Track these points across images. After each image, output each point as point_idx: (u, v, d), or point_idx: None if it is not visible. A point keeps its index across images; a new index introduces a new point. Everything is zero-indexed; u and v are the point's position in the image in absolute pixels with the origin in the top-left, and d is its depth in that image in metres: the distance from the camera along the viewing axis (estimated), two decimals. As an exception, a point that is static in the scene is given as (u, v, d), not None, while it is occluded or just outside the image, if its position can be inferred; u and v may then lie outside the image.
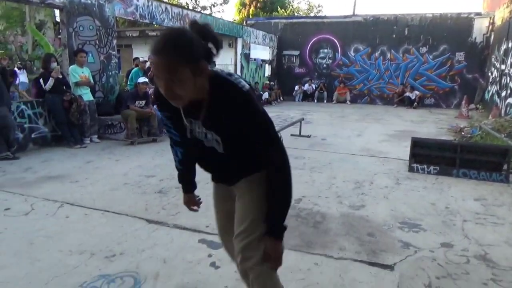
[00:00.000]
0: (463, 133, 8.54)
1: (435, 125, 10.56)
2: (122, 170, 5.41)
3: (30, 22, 13.05)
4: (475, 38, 15.18)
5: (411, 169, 5.59)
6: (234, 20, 30.71)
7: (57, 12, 11.58)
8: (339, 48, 17.18)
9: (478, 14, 15.27)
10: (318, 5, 34.24)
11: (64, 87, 6.74)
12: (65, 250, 3.06)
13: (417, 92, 15.41)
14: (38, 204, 4.03)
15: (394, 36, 16.23)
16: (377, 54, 16.55)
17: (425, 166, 5.51)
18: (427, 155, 5.60)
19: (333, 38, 17.22)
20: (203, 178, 5.01)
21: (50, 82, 6.55)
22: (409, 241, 3.30)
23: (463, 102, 12.64)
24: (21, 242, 3.19)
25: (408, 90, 15.49)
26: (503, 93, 11.16)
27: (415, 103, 15.11)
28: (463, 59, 15.41)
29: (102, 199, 4.21)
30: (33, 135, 6.62)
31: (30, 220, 3.63)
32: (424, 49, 15.88)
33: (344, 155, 6.65)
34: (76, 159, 6.00)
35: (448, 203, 4.27)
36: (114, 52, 8.36)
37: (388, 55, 16.40)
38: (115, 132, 7.72)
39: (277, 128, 6.20)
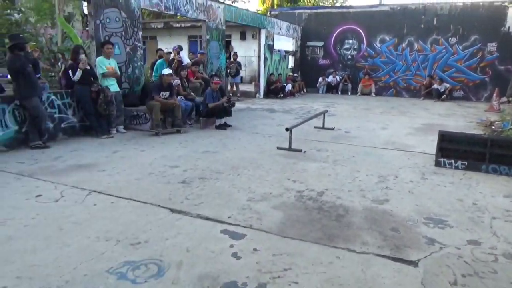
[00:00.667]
0: (493, 127, 8.24)
1: (463, 118, 10.23)
2: (147, 160, 5.52)
3: (60, 15, 13.37)
4: (509, 28, 14.52)
5: (437, 164, 5.45)
6: (258, 10, 30.51)
7: (85, 4, 11.81)
8: (364, 39, 16.81)
9: (513, 2, 14.57)
10: None
11: (92, 78, 6.90)
12: (93, 236, 3.16)
13: (446, 85, 14.91)
14: (67, 192, 4.18)
15: (422, 26, 15.72)
16: (404, 45, 16.10)
17: (453, 161, 5.36)
18: (455, 150, 5.44)
19: (358, 29, 16.86)
20: (227, 168, 5.08)
21: (78, 73, 6.71)
22: (434, 237, 3.24)
23: (494, 95, 12.17)
24: (52, 228, 3.32)
25: (437, 82, 15.01)
26: (538, 86, 10.66)
27: (444, 96, 14.65)
28: (495, 49, 14.79)
29: (128, 188, 4.32)
30: (62, 125, 6.84)
31: (59, 207, 3.77)
32: (453, 40, 15.33)
33: (368, 148, 6.55)
34: (103, 149, 6.17)
35: (476, 199, 4.15)
36: (139, 44, 8.48)
37: (416, 46, 15.92)
38: (140, 123, 7.87)
39: (300, 120, 6.18)
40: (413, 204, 3.98)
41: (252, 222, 3.49)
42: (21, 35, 6.57)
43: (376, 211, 3.79)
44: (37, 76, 6.87)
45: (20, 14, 14.55)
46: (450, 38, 15.37)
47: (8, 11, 14.47)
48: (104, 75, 7.07)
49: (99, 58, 7.11)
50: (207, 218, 3.56)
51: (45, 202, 3.88)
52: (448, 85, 14.92)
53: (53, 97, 6.69)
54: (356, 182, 4.71)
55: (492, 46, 14.81)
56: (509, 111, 10.70)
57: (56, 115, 6.72)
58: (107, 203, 3.89)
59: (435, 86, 14.95)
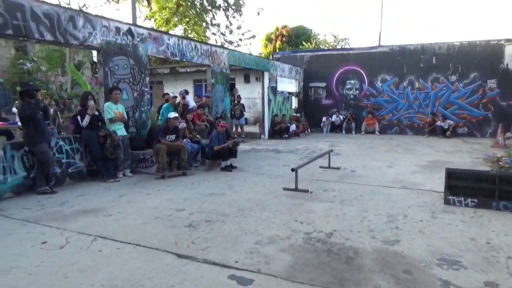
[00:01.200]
0: (500, 163, 8.18)
1: (469, 155, 10.19)
2: (153, 204, 5.50)
3: (70, 63, 13.91)
4: (507, 65, 14.81)
5: (447, 202, 5.37)
6: (261, 54, 31.53)
7: (94, 52, 12.29)
8: (365, 79, 17.18)
9: (509, 40, 14.95)
10: (344, 38, 34.55)
11: (99, 123, 7.05)
12: (97, 284, 3.09)
13: (449, 121, 15.00)
14: (73, 238, 4.14)
15: (421, 65, 16.10)
16: (405, 83, 16.41)
17: (462, 199, 5.28)
18: (463, 187, 5.38)
19: (359, 69, 17.28)
20: (233, 211, 5.03)
21: (86, 119, 6.87)
22: (449, 279, 3.13)
23: (499, 130, 12.20)
24: (56, 275, 3.26)
25: (440, 119, 15.12)
26: (542, 121, 10.69)
27: (448, 132, 14.70)
28: (495, 86, 15.00)
29: (134, 233, 4.27)
30: (70, 170, 6.89)
31: (65, 254, 3.72)
32: (453, 78, 15.61)
33: (375, 187, 6.50)
34: (109, 193, 6.17)
35: (489, 238, 4.05)
36: (146, 89, 8.73)
37: (417, 84, 16.22)
38: (146, 166, 7.92)
39: (305, 160, 6.20)
40: (425, 244, 3.89)
41: (260, 266, 3.41)
42: (31, 83, 6.80)
43: (387, 253, 3.70)
44: (46, 122, 7.04)
45: (32, 63, 15.15)
46: (450, 76, 15.67)
47: (21, 61, 15.09)
48: (111, 120, 7.21)
49: (107, 103, 7.30)
50: (214, 263, 3.48)
51: (50, 249, 3.84)
52: (451, 122, 15.01)
53: (61, 142, 6.80)
54: (364, 222, 4.63)
55: (492, 83, 15.04)
56: (515, 147, 10.67)
57: (64, 160, 6.79)
58: (113, 249, 3.84)
59: (439, 123, 15.03)
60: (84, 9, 15.78)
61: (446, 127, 14.88)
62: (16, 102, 10.77)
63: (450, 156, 10.03)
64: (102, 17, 7.68)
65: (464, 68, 15.41)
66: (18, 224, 4.61)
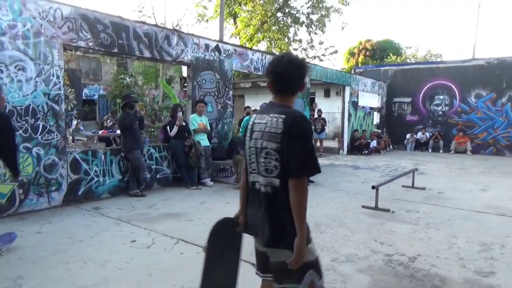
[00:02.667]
0: None
1: None
2: (231, 212, 5.63)
3: (162, 78, 15.13)
4: None
5: (555, 234, 4.68)
6: (343, 69, 31.04)
7: (184, 68, 13.21)
8: (457, 94, 15.89)
9: None
10: (437, 53, 32.59)
11: (186, 133, 7.54)
12: (178, 285, 3.28)
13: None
14: (158, 239, 4.44)
15: (525, 79, 14.43)
16: (504, 99, 14.83)
17: None
18: None
19: (450, 84, 16.06)
20: (309, 225, 4.97)
21: (175, 129, 7.40)
22: (557, 323, 2.72)
23: None
24: (142, 273, 3.52)
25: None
26: None
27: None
28: None
29: (212, 239, 4.44)
30: (158, 176, 7.46)
31: (150, 253, 4.01)
32: None
33: (467, 211, 5.93)
34: (191, 200, 6.52)
35: None
36: (229, 102, 9.12)
37: (517, 101, 14.55)
38: (226, 176, 8.23)
39: (387, 178, 5.96)
40: (527, 280, 3.44)
41: (336, 285, 3.31)
42: (132, 95, 7.52)
43: (479, 285, 3.35)
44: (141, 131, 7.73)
45: (131, 78, 16.77)
46: (560, 92, 13.80)
47: (122, 76, 16.83)
48: (195, 131, 7.66)
49: (192, 115, 7.78)
50: (289, 276, 3.46)
51: (139, 248, 4.17)
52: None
53: (152, 150, 7.40)
54: (453, 249, 4.25)
55: None
56: None
57: (153, 167, 7.37)
58: (193, 253, 4.03)
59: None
60: (177, 28, 17.14)
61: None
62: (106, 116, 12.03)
63: (560, 182, 8.78)
64: (193, 35, 8.26)
65: None
66: (112, 222, 5.09)
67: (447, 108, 16.21)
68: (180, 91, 18.51)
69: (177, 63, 8.24)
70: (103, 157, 6.54)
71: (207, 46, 8.41)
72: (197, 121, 7.75)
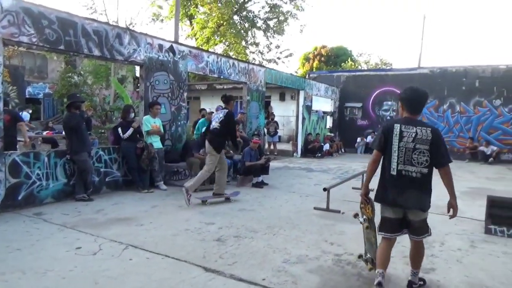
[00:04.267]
0: (549, 193, 7.65)
1: (515, 183, 9.62)
2: (184, 216, 5.58)
3: (114, 77, 14.61)
4: (558, 90, 14.01)
5: (488, 231, 5.08)
6: (297, 73, 31.71)
7: (137, 68, 12.84)
8: (404, 101, 16.76)
9: (560, 65, 14.19)
10: (387, 62, 34.22)
11: (138, 135, 7.31)
12: (126, 292, 3.15)
13: (493, 147, 14.30)
14: (105, 245, 4.26)
15: (463, 88, 15.57)
16: (445, 106, 15.89)
17: (505, 229, 4.98)
18: (506, 216, 5.07)
19: (397, 91, 16.91)
20: (262, 227, 5.00)
21: (130, 131, 7.16)
22: (488, 314, 2.93)
23: (548, 158, 11.46)
24: (87, 281, 3.35)
25: (483, 144, 14.45)
26: None
27: (491, 159, 13.99)
28: (544, 112, 14.20)
29: (163, 244, 4.34)
30: (107, 179, 7.16)
31: (97, 260, 3.83)
32: (497, 102, 14.96)
33: (411, 211, 6.24)
34: (143, 203, 6.32)
35: (535, 273, 3.77)
36: (184, 104, 8.98)
37: (458, 107, 15.66)
38: (180, 179, 8.08)
39: (338, 180, 6.15)
40: (462, 275, 3.68)
41: (287, 286, 3.35)
42: (78, 95, 7.18)
43: (421, 281, 3.52)
44: (88, 132, 7.40)
45: (80, 76, 16.03)
46: (494, 100, 15.03)
47: (70, 74, 16.03)
48: (148, 133, 7.46)
49: (145, 117, 7.57)
50: (241, 279, 3.46)
51: (84, 255, 3.96)
52: (495, 148, 14.30)
53: (101, 152, 7.10)
54: (398, 247, 4.42)
55: (540, 108, 14.25)
56: None
57: (102, 169, 7.07)
58: (143, 259, 3.91)
59: (481, 148, 14.37)
60: (130, 27, 16.63)
61: (488, 153, 14.18)
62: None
63: (493, 183, 9.52)
64: (146, 34, 8.05)
65: (509, 93, 14.74)
66: (56, 229, 4.81)
67: (394, 113, 17.07)
68: (133, 92, 17.96)
69: (129, 62, 7.98)
70: (46, 159, 6.16)
71: (161, 46, 8.23)
72: (150, 122, 7.54)
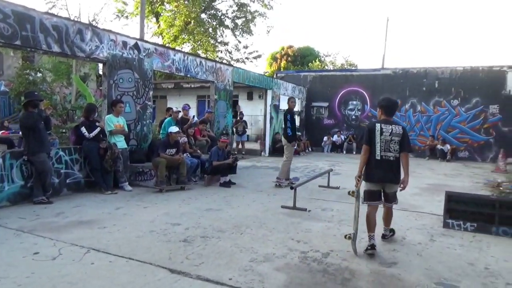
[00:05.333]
0: (501, 188, 8.12)
1: (470, 179, 10.13)
2: (149, 217, 5.45)
3: (76, 75, 14.07)
4: (510, 91, 14.89)
5: (446, 225, 5.31)
6: (266, 73, 31.86)
7: (100, 65, 12.44)
8: (368, 100, 17.28)
9: (511, 67, 15.08)
10: (352, 63, 35.04)
11: (101, 135, 7.07)
12: (88, 297, 3.04)
13: (448, 146, 15.02)
14: (66, 249, 4.09)
15: (424, 88, 16.22)
16: (407, 106, 16.49)
17: (461, 223, 5.22)
18: (463, 211, 5.32)
19: (362, 91, 17.41)
20: (229, 227, 4.98)
21: (96, 130, 6.92)
22: (445, 304, 3.06)
23: (500, 155, 12.16)
24: (45, 287, 3.20)
25: (440, 142, 15.14)
26: (544, 147, 10.67)
27: (448, 156, 14.67)
28: (497, 111, 15.05)
29: (127, 246, 4.22)
30: (68, 180, 6.88)
31: (56, 265, 3.67)
32: (455, 102, 15.70)
33: (374, 208, 6.42)
34: (106, 205, 6.13)
35: (488, 264, 3.98)
36: (149, 103, 8.79)
37: (419, 107, 16.30)
38: (145, 179, 7.90)
39: (305, 179, 6.26)
40: (423, 268, 3.82)
41: (254, 284, 3.35)
42: (36, 93, 6.85)
43: (384, 275, 3.63)
44: (48, 132, 7.08)
45: (38, 74, 15.31)
46: (452, 100, 15.75)
47: (27, 71, 15.25)
48: (112, 132, 7.24)
49: (108, 116, 7.35)
50: (207, 280, 3.42)
51: (42, 260, 3.79)
52: (449, 146, 15.00)
53: (61, 152, 6.81)
54: (362, 243, 4.56)
55: (494, 108, 15.09)
56: (516, 172, 10.62)
57: (63, 171, 6.79)
58: (105, 262, 3.78)
59: (439, 146, 15.03)
60: (93, 23, 16.07)
61: (446, 150, 14.87)
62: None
63: (450, 179, 9.98)
64: (109, 31, 7.81)
65: (466, 93, 15.50)
66: (12, 234, 4.57)
67: (359, 112, 17.54)
68: (96, 90, 17.37)
69: (91, 59, 7.72)
70: (1, 160, 5.84)
71: (125, 43, 8.02)
72: (113, 122, 7.33)
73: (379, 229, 4.60)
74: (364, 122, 17.27)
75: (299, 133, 17.52)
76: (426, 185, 8.85)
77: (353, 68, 33.28)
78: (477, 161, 15.07)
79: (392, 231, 4.77)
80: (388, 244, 4.55)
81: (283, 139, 8.49)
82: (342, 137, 17.40)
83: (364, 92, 17.33)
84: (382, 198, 4.47)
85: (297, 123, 18.09)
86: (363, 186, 4.43)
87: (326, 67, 32.02)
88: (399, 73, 16.80)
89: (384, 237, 4.66)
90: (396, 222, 5.53)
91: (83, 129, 6.97)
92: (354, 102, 17.64)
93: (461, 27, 69.64)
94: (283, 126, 8.46)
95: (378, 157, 4.29)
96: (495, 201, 5.26)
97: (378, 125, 4.37)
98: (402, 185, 4.33)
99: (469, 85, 15.40)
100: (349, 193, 4.50)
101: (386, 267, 3.82)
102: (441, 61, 70.37)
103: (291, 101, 8.54)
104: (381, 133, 4.32)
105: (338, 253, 4.19)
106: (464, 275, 3.67)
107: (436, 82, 16.04)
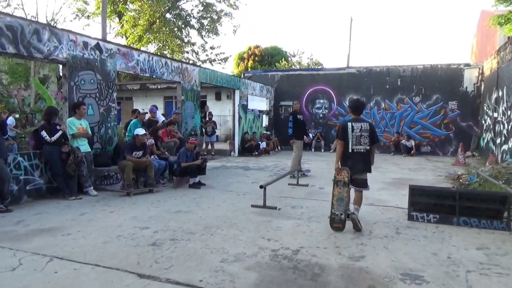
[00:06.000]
0: (461, 180, 8.51)
1: (432, 172, 10.55)
2: (116, 222, 5.30)
3: (35, 77, 13.46)
4: (466, 88, 15.64)
5: (410, 218, 5.49)
6: (233, 73, 31.79)
7: (60, 67, 11.97)
8: (334, 99, 17.62)
9: (467, 65, 15.86)
10: (318, 62, 35.58)
11: (63, 139, 6.80)
12: (51, 308, 2.90)
13: (412, 141, 15.60)
14: (26, 259, 3.89)
15: (387, 86, 16.72)
16: (371, 104, 16.94)
17: (425, 215, 5.42)
18: (426, 203, 5.53)
19: (328, 89, 17.72)
20: (199, 229, 4.92)
21: (58, 134, 6.65)
22: (411, 294, 3.16)
23: (459, 149, 12.74)
24: (5, 300, 3.04)
25: (405, 138, 15.68)
26: (498, 140, 11.28)
27: (412, 151, 15.23)
28: (456, 107, 15.76)
29: (93, 253, 4.08)
30: (28, 187, 6.56)
31: (16, 276, 3.49)
32: (417, 99, 16.30)
33: (343, 204, 6.55)
34: (70, 211, 5.90)
35: (450, 253, 4.15)
36: (114, 105, 8.54)
37: (383, 104, 16.79)
38: (111, 183, 7.67)
39: (274, 177, 6.28)
40: (389, 260, 3.93)
41: (225, 285, 3.32)
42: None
43: (352, 269, 3.71)
44: (5, 137, 6.73)
45: (-7, 76, 14.52)
46: (414, 97, 16.34)
47: (-19, 74, 14.44)
48: (74, 136, 6.99)
49: (69, 119, 7.08)
50: (177, 283, 3.36)
51: (1, 271, 3.59)
52: (413, 142, 15.57)
53: (20, 158, 6.49)
54: (331, 238, 4.65)
55: (453, 104, 15.80)
56: (474, 165, 11.17)
57: (22, 177, 6.46)
58: (70, 270, 3.64)
59: (403, 142, 15.56)
60: (52, 23, 15.44)
61: (410, 145, 15.42)
62: None
63: (414, 173, 10.34)
64: (69, 31, 7.53)
65: (427, 90, 16.12)
66: (-33, 245, 4.30)
67: (326, 111, 17.84)
68: (57, 92, 16.70)
69: (50, 61, 7.40)
70: (-47, 168, 5.49)
71: (85, 44, 7.75)
72: (75, 125, 7.07)
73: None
74: (331, 120, 17.60)
75: (268, 132, 17.64)
76: (391, 180, 9.13)
77: (319, 67, 33.88)
78: (439, 155, 15.73)
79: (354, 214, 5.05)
80: (356, 238, 4.65)
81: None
82: (311, 135, 17.59)
83: (331, 91, 17.66)
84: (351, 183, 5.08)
85: (266, 122, 18.28)
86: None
87: (293, 67, 32.35)
88: (363, 72, 17.23)
89: (353, 213, 4.99)
90: (363, 216, 5.67)
91: (44, 133, 6.67)
92: (321, 101, 17.93)
93: (421, 26, 72.45)
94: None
95: (350, 150, 5.03)
96: (455, 193, 5.50)
97: (349, 124, 5.09)
98: (367, 170, 5.19)
99: (430, 82, 16.04)
100: (332, 180, 5.18)
101: (354, 261, 3.90)
102: (403, 59, 72.94)
103: (295, 103, 10.02)
104: (352, 130, 5.03)
105: (308, 249, 4.24)
106: (428, 265, 3.81)
107: (398, 80, 16.58)
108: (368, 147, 5.02)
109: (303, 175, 9.17)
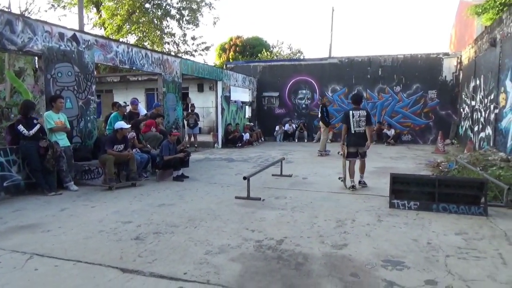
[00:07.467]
0: (440, 167, 8.70)
1: (413, 160, 10.75)
2: (98, 217, 5.22)
3: (9, 70, 13.02)
4: (445, 77, 15.92)
5: (392, 205, 5.59)
6: (215, 64, 31.50)
7: (36, 59, 11.59)
8: (317, 89, 17.69)
9: (446, 54, 16.12)
10: (299, 50, 35.58)
11: (41, 133, 6.63)
12: (31, 306, 2.85)
13: (393, 130, 15.84)
14: (5, 257, 3.80)
15: (368, 76, 16.87)
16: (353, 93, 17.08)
17: (406, 202, 5.53)
18: (406, 191, 5.64)
19: (310, 80, 17.77)
20: (183, 221, 4.89)
21: (36, 127, 6.46)
22: (393, 279, 3.23)
23: (439, 137, 13.01)
24: (-17, 299, 2.97)
25: (386, 127, 15.91)
26: (476, 128, 11.56)
27: (392, 140, 15.47)
28: (435, 96, 16.05)
29: (74, 249, 4.02)
30: (5, 184, 6.39)
31: (-5, 275, 3.41)
32: (398, 88, 16.51)
33: (326, 193, 6.63)
34: (49, 207, 5.78)
35: (430, 239, 4.25)
36: (93, 97, 8.36)
37: (364, 94, 16.94)
38: (92, 178, 7.54)
39: (258, 168, 6.25)
40: (371, 247, 4.00)
41: (209, 277, 3.32)
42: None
43: (335, 257, 3.76)
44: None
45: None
46: (394, 87, 16.54)
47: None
48: (52, 130, 6.82)
49: (47, 113, 6.90)
50: (161, 276, 3.35)
51: (-22, 270, 3.50)
52: (393, 131, 15.82)
53: (-5, 154, 6.30)
54: (314, 228, 4.69)
55: (432, 93, 16.08)
56: (453, 152, 11.43)
57: (-2, 173, 6.29)
58: (50, 267, 3.57)
59: (385, 131, 15.79)
60: (26, 14, 14.92)
61: (391, 134, 15.65)
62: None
63: (395, 162, 10.52)
64: (44, 22, 7.30)
65: (407, 80, 16.34)
66: None
67: (309, 101, 17.91)
68: (34, 85, 16.21)
69: (24, 53, 7.16)
70: None
71: (61, 35, 7.53)
72: (53, 119, 6.89)
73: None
74: (314, 111, 17.69)
75: (251, 123, 17.63)
76: (373, 169, 9.26)
77: (300, 55, 33.89)
78: (419, 143, 16.03)
79: (365, 183, 7.13)
80: (339, 227, 4.71)
81: (320, 123, 12.08)
82: (294, 126, 17.71)
83: (313, 81, 17.71)
84: (358, 155, 7.05)
85: (249, 113, 18.25)
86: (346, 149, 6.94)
87: (275, 57, 32.27)
88: (345, 62, 17.33)
89: (360, 183, 7.03)
90: (346, 205, 5.77)
91: (21, 127, 6.47)
92: (304, 91, 17.97)
93: (402, 17, 73.16)
94: (319, 115, 12.02)
95: (352, 131, 6.90)
96: (435, 180, 5.62)
97: (350, 112, 6.97)
98: (367, 146, 6.97)
99: (410, 72, 16.26)
100: (338, 153, 7.03)
101: (337, 249, 3.96)
102: (384, 49, 73.66)
103: (324, 97, 12.87)
104: (353, 116, 6.92)
105: (292, 239, 4.27)
106: (408, 251, 3.89)
107: (379, 70, 16.74)
108: (364, 129, 6.91)
109: (325, 154, 11.84)
